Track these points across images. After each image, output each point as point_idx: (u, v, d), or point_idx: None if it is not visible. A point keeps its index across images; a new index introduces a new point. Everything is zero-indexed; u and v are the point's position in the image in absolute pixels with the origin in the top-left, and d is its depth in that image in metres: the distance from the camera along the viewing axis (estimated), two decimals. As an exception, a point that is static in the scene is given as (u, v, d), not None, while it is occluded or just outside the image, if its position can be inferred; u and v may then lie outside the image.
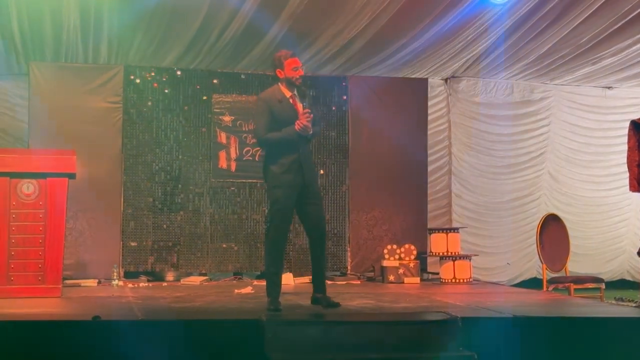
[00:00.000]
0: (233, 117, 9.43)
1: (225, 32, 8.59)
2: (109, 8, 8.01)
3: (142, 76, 9.24)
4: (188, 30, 8.53)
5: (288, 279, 8.62)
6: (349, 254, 9.67)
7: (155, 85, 9.27)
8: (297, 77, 6.20)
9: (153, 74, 9.28)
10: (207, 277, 9.20)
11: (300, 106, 6.21)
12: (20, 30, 8.45)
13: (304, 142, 6.21)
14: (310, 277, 6.59)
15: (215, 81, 9.43)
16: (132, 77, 9.19)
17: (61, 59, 9.16)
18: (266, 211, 9.41)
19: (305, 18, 8.31)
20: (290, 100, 6.20)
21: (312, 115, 6.15)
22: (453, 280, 9.10)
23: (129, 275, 9.04)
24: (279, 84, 6.26)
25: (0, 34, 8.54)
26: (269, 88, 6.40)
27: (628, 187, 8.68)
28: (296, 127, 6.07)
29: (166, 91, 9.31)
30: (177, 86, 9.35)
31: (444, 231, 9.44)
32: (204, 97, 9.39)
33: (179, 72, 9.35)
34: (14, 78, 9.64)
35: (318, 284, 6.33)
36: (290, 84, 6.22)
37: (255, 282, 8.84)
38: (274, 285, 6.14)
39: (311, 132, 6.18)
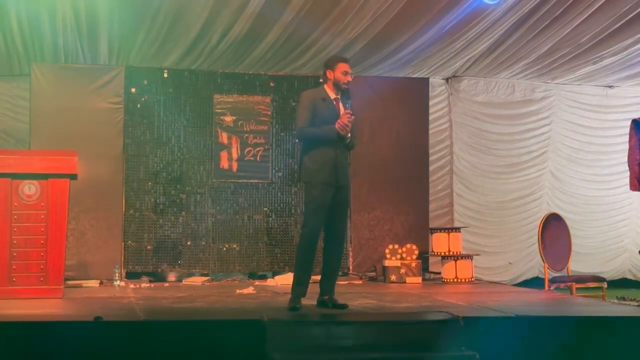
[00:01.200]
0: (234, 118, 9.43)
1: (228, 34, 8.59)
2: (110, 9, 8.01)
3: (143, 77, 9.23)
4: (190, 31, 8.53)
5: (289, 279, 8.61)
6: (350, 253, 9.67)
7: (156, 85, 9.26)
8: (345, 81, 6.28)
9: (154, 74, 9.27)
10: (208, 278, 9.20)
11: (342, 109, 6.28)
12: (21, 31, 8.46)
13: (341, 144, 6.23)
14: (315, 277, 6.56)
15: (217, 81, 9.45)
16: (133, 78, 9.19)
17: (62, 60, 9.17)
18: (267, 210, 9.45)
19: (306, 19, 8.30)
20: (334, 102, 6.29)
21: (353, 117, 6.20)
22: (455, 280, 9.10)
23: (130, 275, 9.04)
24: (325, 84, 6.36)
25: (1, 35, 8.55)
26: (315, 88, 6.59)
27: (628, 186, 8.69)
28: (337, 125, 6.13)
29: (167, 92, 9.30)
30: (178, 87, 9.34)
31: (446, 231, 9.44)
32: (206, 98, 9.40)
33: (182, 73, 9.38)
34: (15, 79, 9.65)
35: (328, 287, 6.34)
36: (336, 86, 6.29)
37: (257, 283, 8.85)
38: (300, 285, 6.21)
39: (350, 135, 6.21)
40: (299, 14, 8.21)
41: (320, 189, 6.15)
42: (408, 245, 9.28)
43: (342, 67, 6.28)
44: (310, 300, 6.34)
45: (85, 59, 9.21)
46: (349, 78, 6.30)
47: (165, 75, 9.26)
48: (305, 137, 6.29)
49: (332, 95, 6.29)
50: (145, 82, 9.24)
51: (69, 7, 7.99)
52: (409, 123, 9.89)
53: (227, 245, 9.36)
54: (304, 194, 6.53)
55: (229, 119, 9.42)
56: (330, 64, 6.34)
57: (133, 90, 9.19)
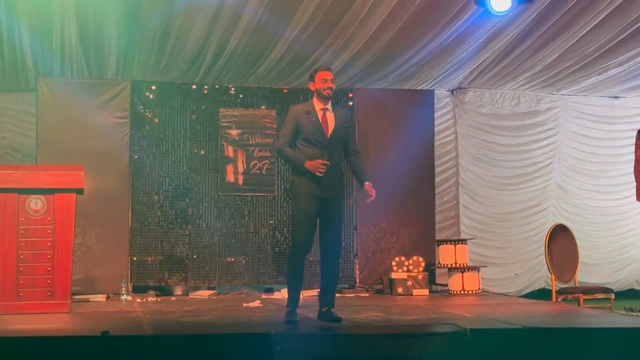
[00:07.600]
0: (240, 131, 9.45)
1: (233, 48, 8.60)
2: (115, 25, 8.03)
3: (149, 91, 9.27)
4: (195, 46, 8.55)
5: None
6: (357, 266, 9.66)
7: (162, 100, 9.30)
8: (325, 88, 6.35)
9: (160, 88, 9.31)
10: (215, 291, 9.20)
11: (331, 119, 6.35)
12: (31, 46, 8.49)
13: (327, 154, 6.26)
14: (319, 290, 6.59)
15: (223, 95, 9.48)
16: (138, 92, 9.23)
17: (69, 75, 9.20)
18: (273, 223, 9.47)
19: (311, 34, 8.31)
20: (320, 114, 6.34)
21: (325, 165, 6.17)
22: (462, 292, 9.07)
23: (137, 290, 9.05)
24: (313, 97, 6.47)
25: (8, 50, 8.59)
26: (305, 102, 6.81)
27: (635, 196, 8.68)
28: (307, 165, 6.18)
29: (173, 106, 9.34)
30: (184, 101, 9.38)
31: (452, 242, 9.41)
32: (211, 111, 9.42)
33: (188, 87, 9.41)
34: (22, 94, 9.70)
35: (327, 299, 6.37)
36: (320, 95, 6.40)
37: (264, 296, 8.85)
38: (293, 299, 6.29)
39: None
40: (303, 31, 8.22)
41: (303, 201, 6.25)
42: (414, 258, 9.26)
43: (320, 75, 6.39)
44: (314, 312, 6.34)
45: (92, 74, 9.24)
46: (329, 84, 6.37)
47: (171, 91, 9.29)
48: (281, 157, 6.64)
49: (319, 106, 6.37)
50: (151, 97, 9.28)
51: (74, 22, 8.01)
52: (414, 135, 9.89)
53: (233, 259, 9.36)
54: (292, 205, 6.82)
55: (234, 132, 9.44)
56: (311, 76, 6.50)
57: (139, 104, 9.22)
